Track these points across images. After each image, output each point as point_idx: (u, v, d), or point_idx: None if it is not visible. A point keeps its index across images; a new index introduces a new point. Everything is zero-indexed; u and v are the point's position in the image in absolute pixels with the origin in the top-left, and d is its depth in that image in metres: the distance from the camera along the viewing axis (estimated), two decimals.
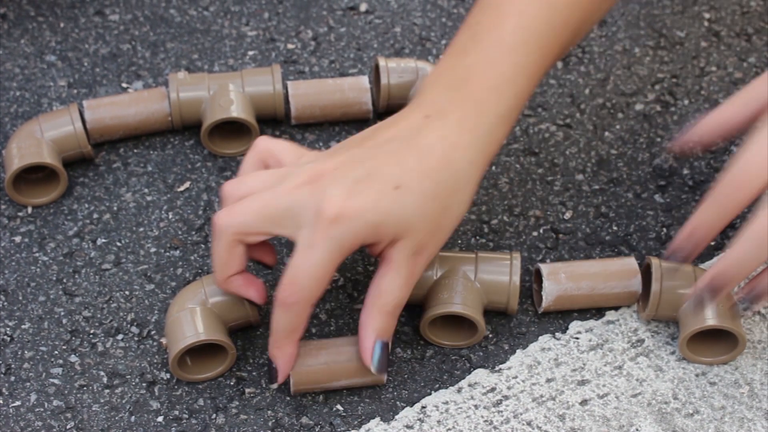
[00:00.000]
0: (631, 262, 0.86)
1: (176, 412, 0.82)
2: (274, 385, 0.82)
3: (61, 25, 1.05)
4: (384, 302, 0.78)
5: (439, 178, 0.77)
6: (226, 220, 0.78)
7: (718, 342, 0.84)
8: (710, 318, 0.82)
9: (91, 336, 0.86)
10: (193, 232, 0.91)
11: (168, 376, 0.83)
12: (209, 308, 0.83)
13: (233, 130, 0.96)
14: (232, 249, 0.78)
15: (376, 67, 0.98)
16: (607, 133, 0.98)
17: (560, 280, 0.85)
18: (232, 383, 0.83)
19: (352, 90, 0.97)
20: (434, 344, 0.86)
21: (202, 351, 0.83)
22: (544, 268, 0.86)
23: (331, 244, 0.75)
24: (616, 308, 0.87)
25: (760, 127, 0.78)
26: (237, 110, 0.94)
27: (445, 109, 0.79)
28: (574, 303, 0.86)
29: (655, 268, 0.84)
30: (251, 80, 0.96)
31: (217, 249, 0.79)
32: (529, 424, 0.81)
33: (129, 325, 0.86)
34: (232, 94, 0.95)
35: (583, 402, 0.83)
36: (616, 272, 0.86)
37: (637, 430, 0.81)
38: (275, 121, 0.98)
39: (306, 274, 0.75)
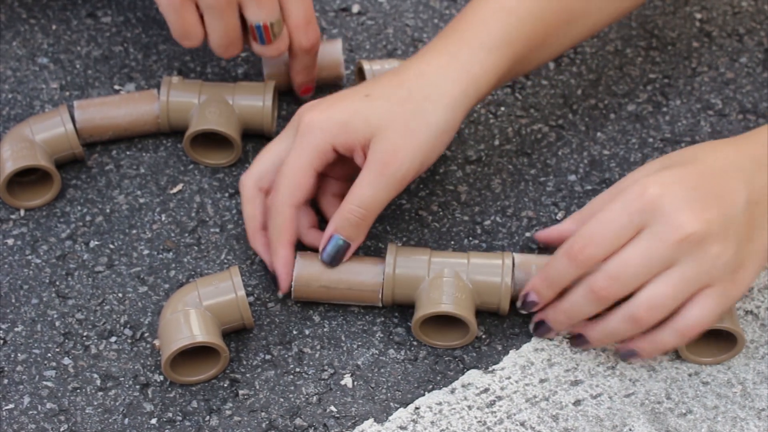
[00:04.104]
0: None
1: (170, 414, 0.82)
2: (281, 293, 0.87)
3: (53, 27, 1.05)
4: (351, 198, 0.83)
5: (411, 86, 0.83)
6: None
7: (714, 342, 0.84)
8: None
9: (84, 338, 0.86)
10: (186, 234, 0.91)
11: (161, 378, 0.83)
12: (203, 311, 0.83)
13: (217, 140, 0.95)
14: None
15: (360, 70, 0.98)
16: (599, 134, 0.98)
17: (531, 272, 0.85)
18: (225, 385, 0.83)
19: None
20: (427, 345, 0.86)
21: (195, 353, 0.83)
22: (516, 258, 0.86)
23: (306, 148, 0.83)
24: None
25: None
26: (219, 123, 0.93)
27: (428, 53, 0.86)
28: None
29: None
30: (243, 93, 0.95)
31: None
32: (522, 424, 0.81)
33: (122, 328, 0.86)
34: (219, 106, 0.94)
35: (577, 402, 0.83)
36: None
37: (630, 430, 0.81)
38: (263, 136, 0.97)
39: (285, 177, 0.84)
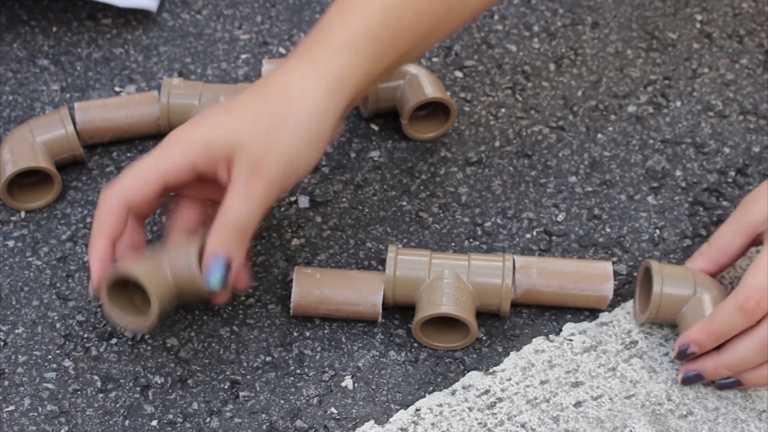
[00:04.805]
0: (605, 267, 0.86)
1: (170, 416, 0.82)
2: (90, 295, 0.85)
3: (54, 29, 1.05)
4: (226, 218, 0.80)
5: (271, 98, 0.81)
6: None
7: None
8: None
9: (84, 340, 0.86)
10: None
11: (162, 380, 0.83)
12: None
13: None
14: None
15: None
16: (599, 135, 0.98)
17: (531, 275, 0.85)
18: (226, 386, 0.83)
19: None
20: (428, 346, 0.86)
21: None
22: (517, 259, 0.86)
23: (162, 159, 0.81)
24: (610, 310, 0.87)
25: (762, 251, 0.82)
26: None
27: (291, 66, 0.83)
28: (543, 299, 0.86)
29: (655, 272, 0.84)
30: None
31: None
32: (523, 426, 0.81)
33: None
34: None
35: (577, 404, 0.83)
36: (589, 275, 0.86)
37: (631, 431, 0.81)
38: None
39: (128, 176, 0.81)
